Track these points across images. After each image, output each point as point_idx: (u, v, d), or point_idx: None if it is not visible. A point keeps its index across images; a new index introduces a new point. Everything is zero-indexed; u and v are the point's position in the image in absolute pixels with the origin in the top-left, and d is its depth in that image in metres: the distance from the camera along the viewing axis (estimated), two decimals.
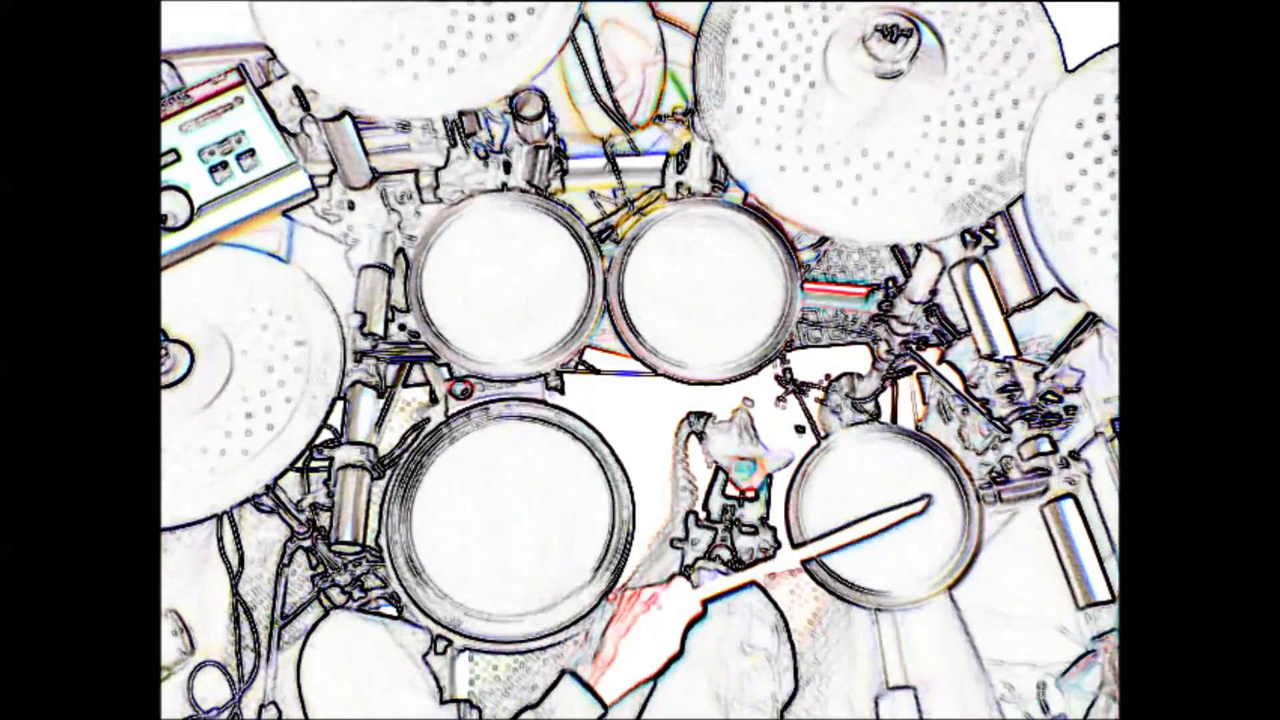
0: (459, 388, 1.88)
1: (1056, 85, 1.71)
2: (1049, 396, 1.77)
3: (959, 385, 1.85)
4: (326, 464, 1.80)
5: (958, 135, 1.72)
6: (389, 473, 1.80)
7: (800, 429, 1.91)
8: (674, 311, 1.85)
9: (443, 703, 1.71)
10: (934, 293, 1.86)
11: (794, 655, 1.70)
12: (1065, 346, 1.85)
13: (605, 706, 1.62)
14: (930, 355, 1.89)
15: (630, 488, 1.79)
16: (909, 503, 1.72)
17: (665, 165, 1.99)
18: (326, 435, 1.78)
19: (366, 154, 1.90)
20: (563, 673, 1.65)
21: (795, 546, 1.74)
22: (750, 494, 1.82)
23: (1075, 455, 1.78)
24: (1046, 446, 1.75)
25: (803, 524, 1.76)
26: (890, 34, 1.66)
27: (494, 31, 1.72)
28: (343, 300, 1.86)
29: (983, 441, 1.81)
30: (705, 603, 1.70)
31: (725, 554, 1.78)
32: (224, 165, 1.81)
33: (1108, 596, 1.73)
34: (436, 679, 1.72)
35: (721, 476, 1.84)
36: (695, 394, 1.86)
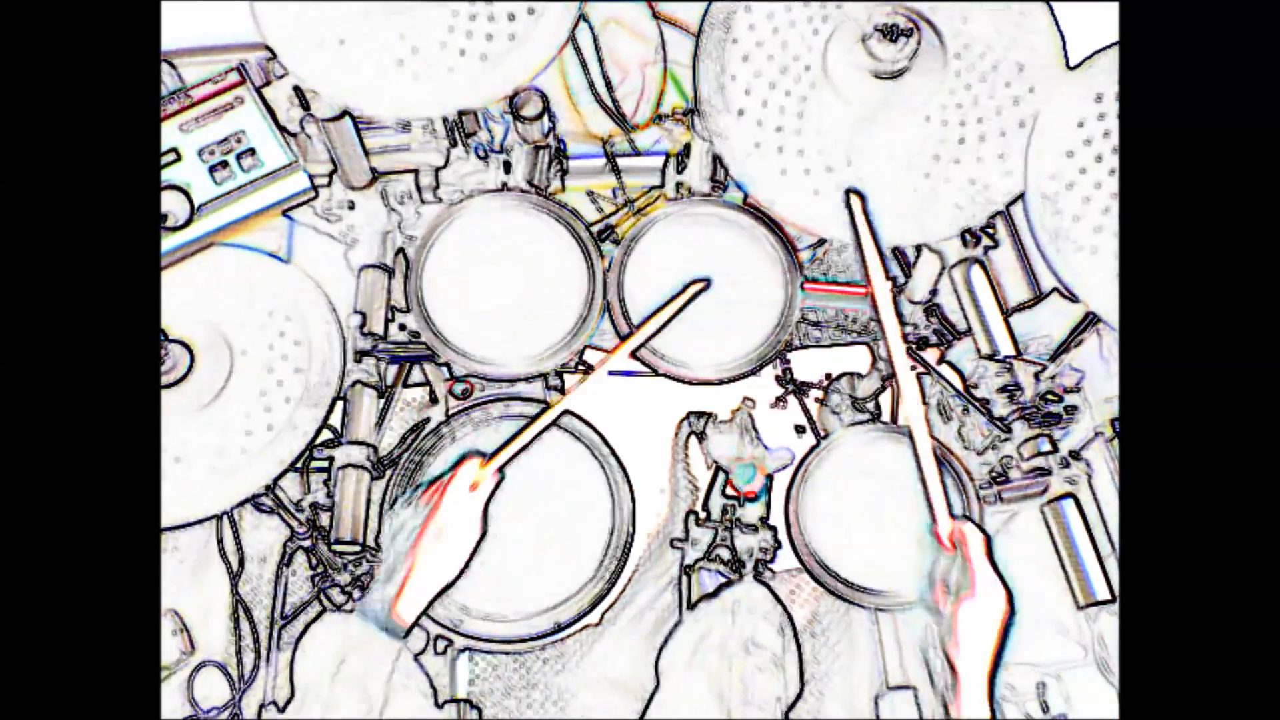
0: (459, 388, 1.88)
1: (1056, 84, 1.71)
2: (1049, 396, 1.77)
3: (959, 385, 1.85)
4: (326, 464, 1.80)
5: (958, 135, 1.72)
6: (389, 473, 1.80)
7: (800, 429, 1.91)
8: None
9: (439, 704, 1.71)
10: (934, 293, 1.86)
11: (800, 656, 1.70)
12: (1065, 346, 1.85)
13: (405, 633, 1.57)
14: (930, 355, 1.89)
15: (630, 488, 1.79)
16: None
17: (665, 165, 1.99)
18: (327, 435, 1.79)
19: (366, 154, 1.90)
20: (353, 610, 1.59)
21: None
22: (750, 495, 1.82)
23: (1075, 455, 1.78)
24: (1046, 446, 1.75)
25: (803, 524, 1.76)
26: (890, 33, 1.66)
27: (494, 31, 1.72)
28: (343, 300, 1.86)
29: (983, 441, 1.81)
30: (500, 470, 1.65)
31: (725, 554, 1.78)
32: (224, 165, 1.81)
33: (1108, 596, 1.73)
34: (431, 681, 1.72)
35: (721, 476, 1.84)
36: (695, 394, 1.86)
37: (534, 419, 1.70)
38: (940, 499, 1.58)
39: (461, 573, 1.63)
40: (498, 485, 1.66)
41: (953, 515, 1.58)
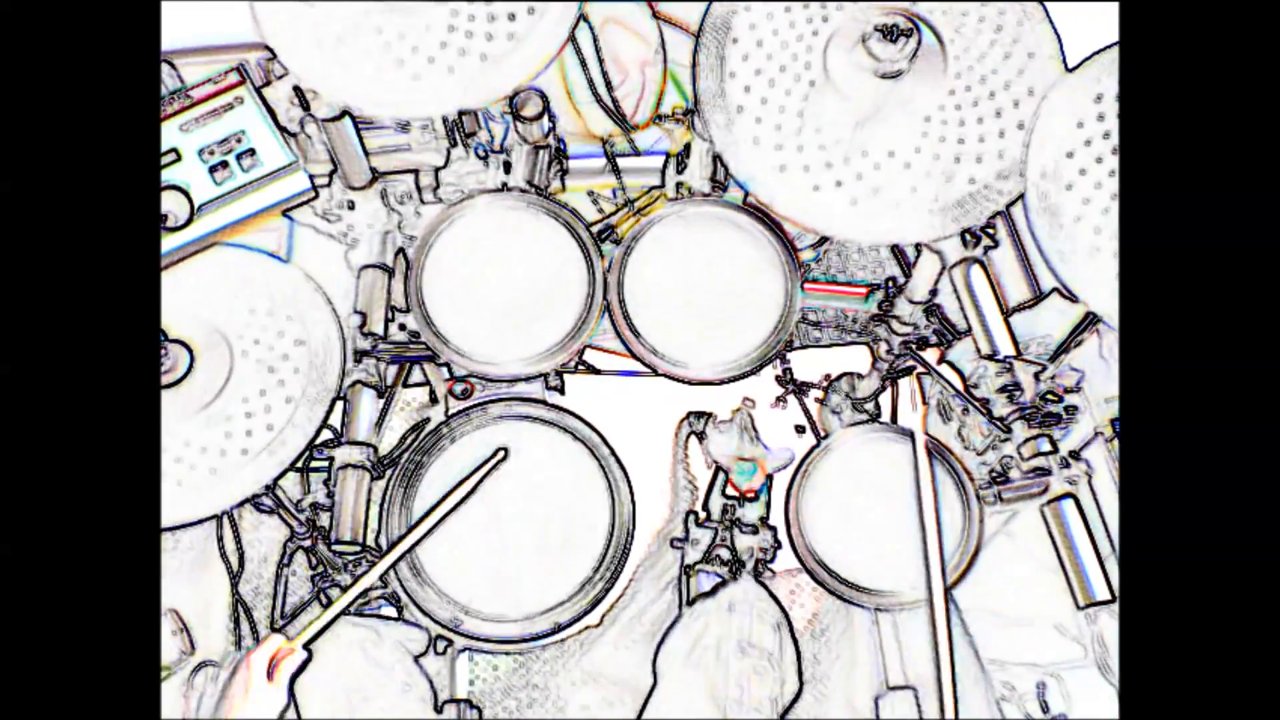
0: (459, 388, 1.88)
1: (1056, 85, 1.71)
2: (1049, 396, 1.77)
3: (959, 385, 1.85)
4: (326, 464, 1.80)
5: (958, 135, 1.72)
6: (389, 473, 1.80)
7: (800, 429, 1.91)
8: (674, 311, 1.84)
9: (438, 706, 1.71)
10: (934, 293, 1.86)
11: (798, 655, 1.70)
12: (1065, 346, 1.85)
13: None
14: (930, 355, 1.89)
15: (630, 488, 1.79)
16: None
17: (665, 165, 1.99)
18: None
19: (366, 154, 1.90)
20: None
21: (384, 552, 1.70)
22: (750, 494, 1.82)
23: (1075, 455, 1.78)
24: (1046, 446, 1.75)
25: (803, 524, 1.76)
26: (890, 34, 1.66)
27: (494, 31, 1.72)
28: (343, 300, 1.86)
29: (983, 441, 1.81)
30: (307, 645, 1.64)
31: (725, 554, 1.78)
32: (224, 165, 1.81)
33: (1108, 596, 1.73)
34: (431, 682, 1.72)
35: (721, 476, 1.84)
36: (695, 394, 1.86)
37: (341, 594, 1.67)
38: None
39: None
40: (305, 662, 1.64)
41: None
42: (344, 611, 1.67)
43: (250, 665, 1.59)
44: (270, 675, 1.59)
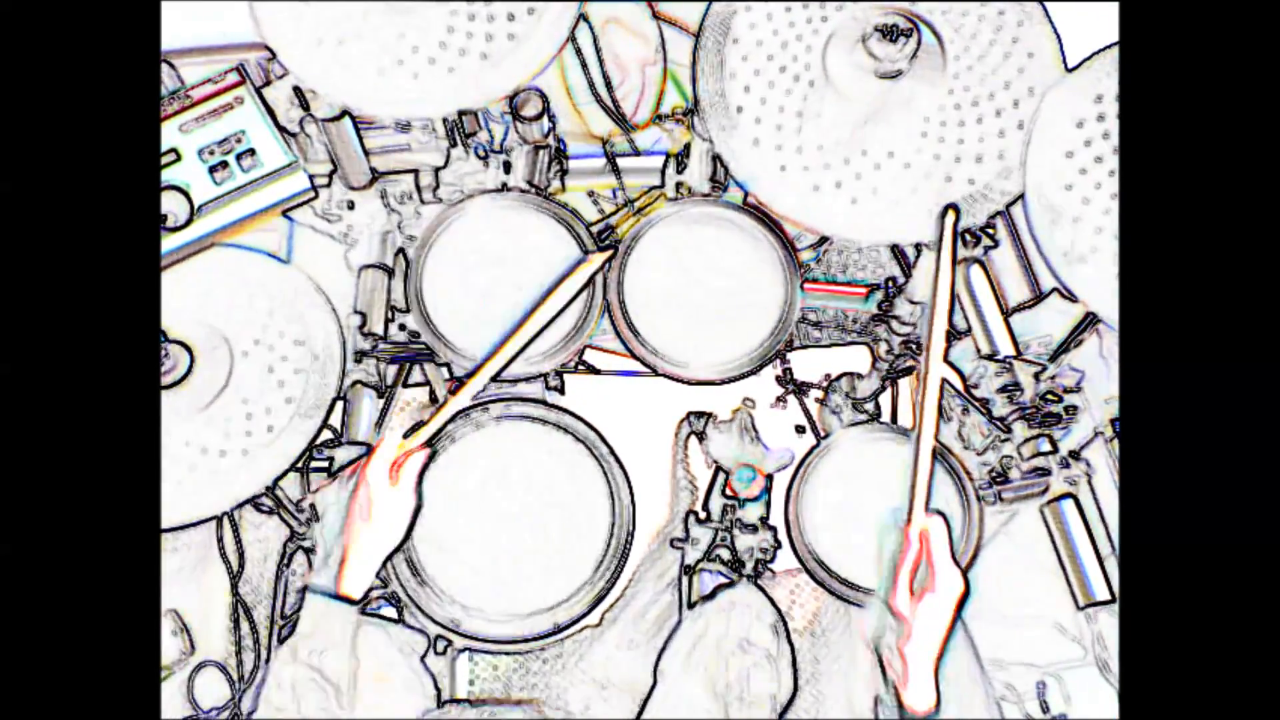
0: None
1: (1056, 85, 1.71)
2: (1049, 396, 1.77)
3: (959, 385, 1.85)
4: (326, 464, 1.80)
5: (958, 135, 1.72)
6: None
7: (800, 429, 1.91)
8: (674, 311, 1.84)
9: (440, 704, 1.71)
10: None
11: (793, 655, 1.70)
12: (1065, 346, 1.85)
13: (357, 602, 1.57)
14: None
15: (630, 488, 1.79)
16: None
17: (665, 165, 1.99)
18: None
19: (366, 154, 1.90)
20: (302, 591, 1.59)
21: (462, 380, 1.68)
22: (750, 498, 1.82)
23: (1075, 455, 1.78)
24: (1046, 446, 1.75)
25: (803, 524, 1.76)
26: (890, 34, 1.66)
27: (494, 31, 1.72)
28: (343, 300, 1.86)
29: (983, 441, 1.81)
30: (430, 441, 1.66)
31: (725, 554, 1.78)
32: (224, 165, 1.81)
33: (1108, 596, 1.73)
34: (435, 681, 1.72)
35: (721, 476, 1.84)
36: (695, 394, 1.86)
37: (459, 390, 1.68)
38: (923, 496, 1.57)
39: (404, 542, 1.64)
40: (430, 459, 1.67)
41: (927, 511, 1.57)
42: (457, 414, 1.68)
43: (367, 480, 1.60)
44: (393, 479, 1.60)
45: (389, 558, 1.63)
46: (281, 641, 1.76)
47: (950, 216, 1.64)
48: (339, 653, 1.55)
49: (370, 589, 1.60)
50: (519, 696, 1.81)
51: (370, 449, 1.65)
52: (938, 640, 1.49)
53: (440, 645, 1.75)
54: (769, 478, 1.83)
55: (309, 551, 1.81)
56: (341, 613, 1.56)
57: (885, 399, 1.91)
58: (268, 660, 1.82)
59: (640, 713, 1.65)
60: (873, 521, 1.73)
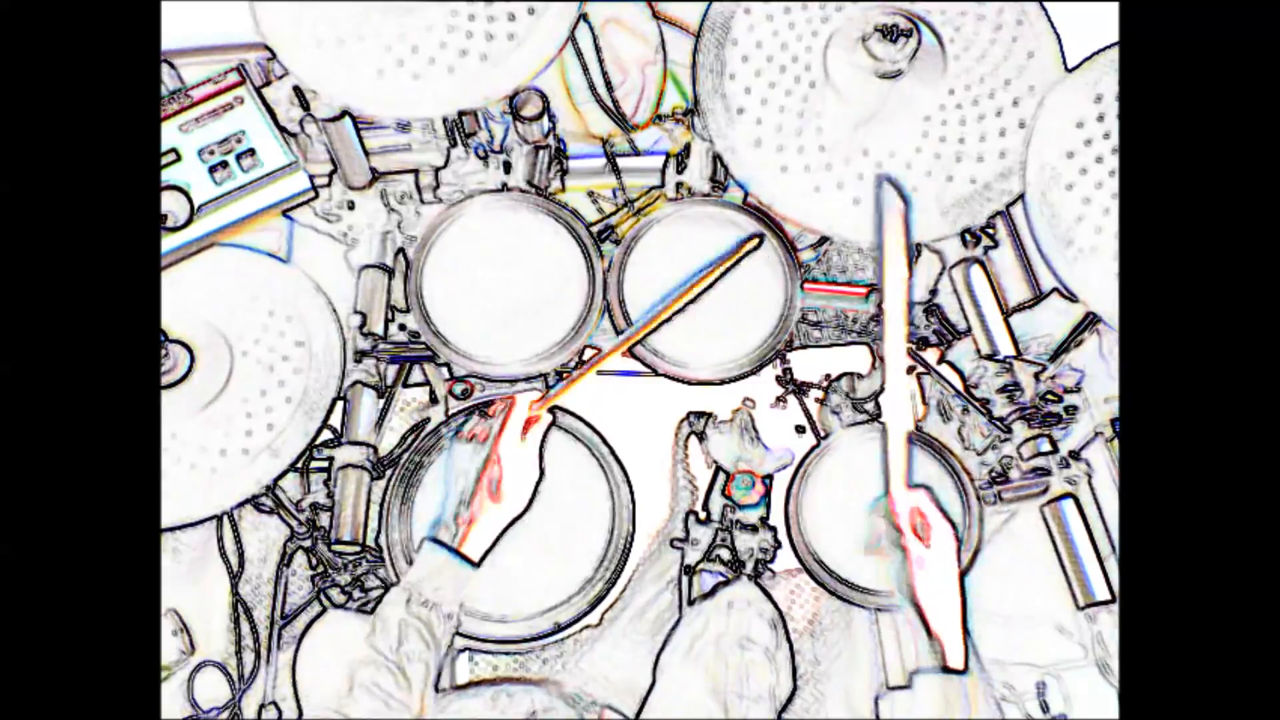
0: (459, 388, 1.87)
1: (1056, 85, 1.71)
2: (1049, 396, 1.77)
3: (959, 385, 1.86)
4: (326, 464, 1.80)
5: (958, 135, 1.72)
6: (389, 473, 1.80)
7: (800, 429, 1.91)
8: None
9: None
10: (934, 293, 1.86)
11: (792, 653, 1.70)
12: (1065, 346, 1.85)
13: (475, 564, 1.62)
14: (930, 355, 1.89)
15: (630, 488, 1.79)
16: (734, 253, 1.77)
17: (665, 165, 1.99)
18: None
19: (366, 154, 1.90)
20: (423, 541, 1.63)
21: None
22: (749, 504, 1.82)
23: (1075, 455, 1.78)
24: (1046, 446, 1.75)
25: (803, 524, 1.76)
26: (890, 34, 1.66)
27: (494, 31, 1.72)
28: (343, 300, 1.86)
29: (983, 441, 1.81)
30: (553, 409, 1.72)
31: (725, 554, 1.78)
32: (224, 165, 1.81)
33: (1108, 596, 1.73)
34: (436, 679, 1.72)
35: (721, 476, 1.84)
36: (695, 394, 1.86)
37: (592, 361, 1.74)
38: (900, 473, 1.60)
39: (525, 510, 1.67)
40: (551, 425, 1.73)
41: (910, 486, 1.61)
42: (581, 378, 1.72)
43: (499, 458, 1.66)
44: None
45: (510, 525, 1.66)
46: (279, 639, 1.77)
47: (887, 188, 1.67)
48: (449, 609, 1.59)
49: (488, 552, 1.64)
50: (538, 676, 1.81)
51: (504, 416, 1.69)
52: (953, 592, 1.54)
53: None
54: (768, 479, 1.83)
55: (309, 551, 1.81)
56: (457, 569, 1.60)
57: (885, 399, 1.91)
58: (268, 660, 1.82)
59: (639, 711, 1.65)
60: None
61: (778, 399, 1.92)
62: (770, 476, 1.83)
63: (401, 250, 1.94)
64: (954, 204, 1.72)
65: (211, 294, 1.79)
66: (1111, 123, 1.67)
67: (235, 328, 1.77)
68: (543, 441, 1.71)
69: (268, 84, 1.86)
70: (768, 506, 1.82)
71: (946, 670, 1.50)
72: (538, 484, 1.68)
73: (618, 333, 1.84)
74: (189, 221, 1.79)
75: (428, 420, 1.86)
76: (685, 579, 1.80)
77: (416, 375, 1.92)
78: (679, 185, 1.96)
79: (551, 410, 1.72)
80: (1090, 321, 1.84)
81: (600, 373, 1.93)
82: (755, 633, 1.66)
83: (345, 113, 1.80)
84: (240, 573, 1.85)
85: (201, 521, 1.71)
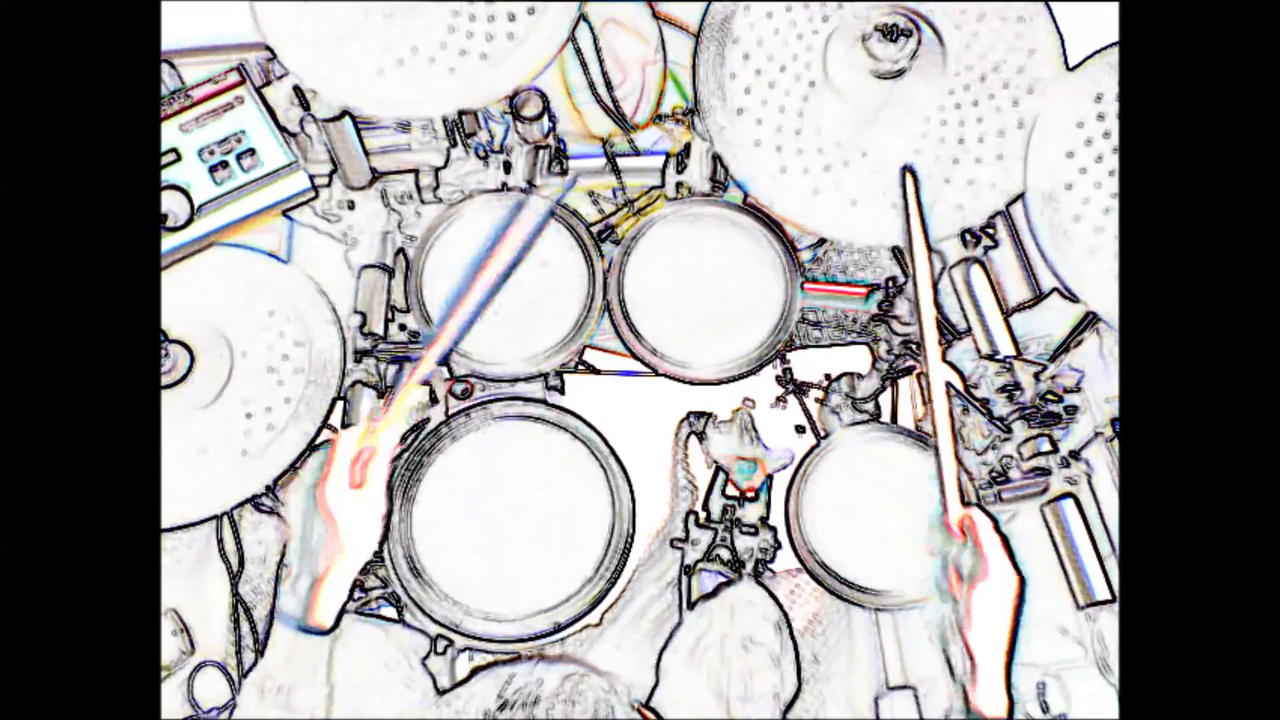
0: (459, 388, 1.87)
1: (1056, 85, 1.71)
2: (1049, 396, 1.77)
3: (959, 385, 1.85)
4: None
5: (958, 135, 1.72)
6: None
7: (800, 429, 1.91)
8: (674, 311, 1.84)
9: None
10: (934, 293, 1.85)
11: (796, 654, 1.70)
12: (1065, 346, 1.85)
13: (327, 631, 1.46)
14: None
15: (630, 488, 1.79)
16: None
17: (665, 165, 1.99)
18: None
19: (366, 154, 1.90)
20: (270, 620, 1.48)
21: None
22: (750, 494, 1.82)
23: (1075, 455, 1.78)
24: (1046, 446, 1.75)
25: (803, 524, 1.76)
26: (890, 33, 1.66)
27: (494, 31, 1.72)
28: (343, 300, 1.86)
29: (983, 441, 1.81)
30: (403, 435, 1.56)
31: (725, 554, 1.78)
32: (224, 165, 1.81)
33: (1108, 596, 1.73)
34: (435, 682, 1.72)
35: (721, 476, 1.84)
36: (695, 394, 1.86)
37: (410, 374, 1.62)
38: (954, 486, 1.57)
39: (379, 551, 1.54)
40: (402, 453, 1.57)
41: (963, 502, 1.58)
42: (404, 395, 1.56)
43: (326, 506, 1.47)
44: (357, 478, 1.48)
45: (365, 569, 1.55)
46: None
47: (909, 180, 1.66)
48: (310, 686, 1.46)
49: (343, 611, 1.49)
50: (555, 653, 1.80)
51: (325, 463, 1.51)
52: (1003, 637, 1.48)
53: (440, 645, 1.75)
54: (769, 476, 1.83)
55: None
56: (311, 645, 1.46)
57: (885, 399, 1.91)
58: None
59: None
60: (876, 521, 1.74)
61: (778, 399, 1.92)
62: (770, 476, 1.83)
63: (401, 250, 1.94)
64: (954, 204, 1.72)
65: (211, 294, 1.79)
66: (1111, 123, 1.67)
67: (235, 328, 1.77)
68: (391, 472, 1.54)
69: (268, 84, 1.86)
70: (768, 506, 1.82)
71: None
72: (389, 518, 1.53)
73: (617, 333, 1.84)
74: (189, 221, 1.79)
75: (428, 420, 1.86)
76: (685, 579, 1.80)
77: None
78: (679, 185, 1.96)
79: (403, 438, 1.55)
80: (1090, 321, 1.84)
81: (601, 373, 1.93)
82: (759, 634, 1.66)
83: (345, 113, 1.80)
84: (240, 573, 1.85)
85: (201, 521, 1.71)
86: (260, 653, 1.79)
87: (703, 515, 1.82)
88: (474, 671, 1.58)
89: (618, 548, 1.77)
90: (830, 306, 1.96)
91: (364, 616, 1.75)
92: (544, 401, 1.85)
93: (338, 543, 1.49)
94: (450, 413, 1.85)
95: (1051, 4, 1.75)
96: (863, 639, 1.79)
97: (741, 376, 1.83)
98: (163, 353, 1.67)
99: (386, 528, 1.52)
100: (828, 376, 1.93)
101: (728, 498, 1.82)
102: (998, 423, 1.78)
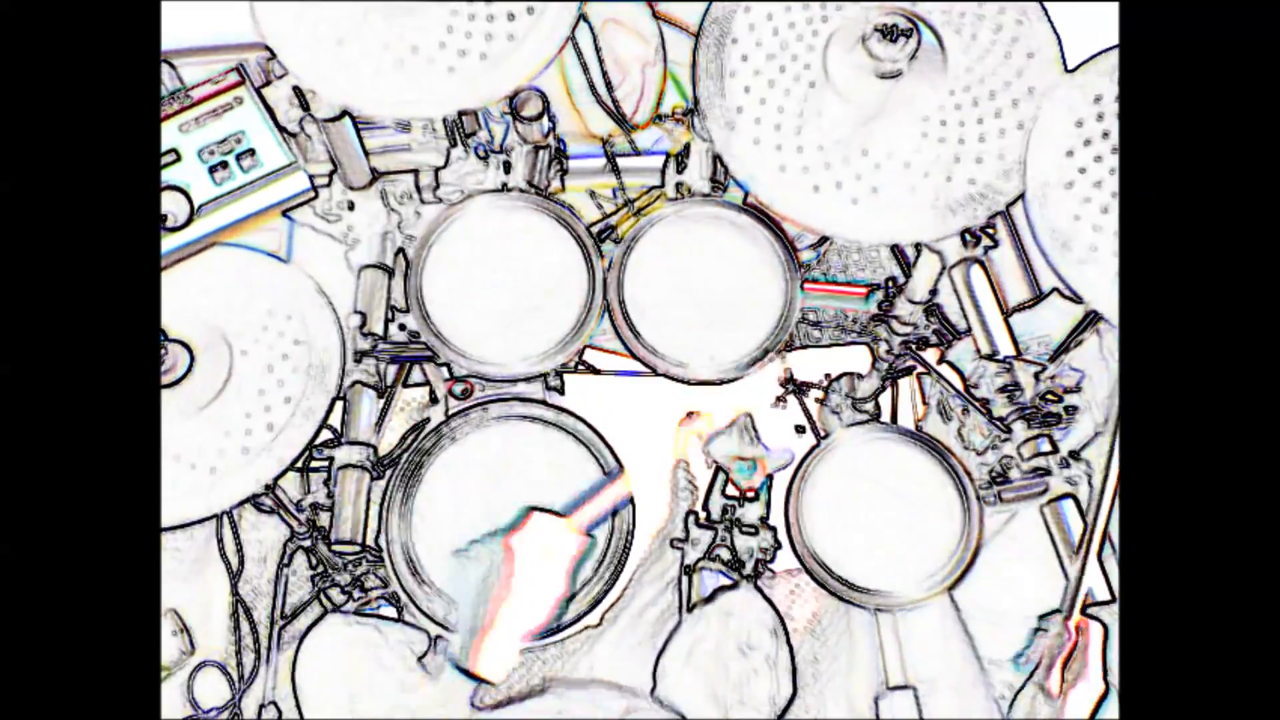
0: (459, 388, 1.88)
1: (1056, 85, 1.71)
2: (1049, 396, 1.77)
3: (959, 385, 1.85)
4: (326, 464, 1.80)
5: (958, 135, 1.72)
6: (389, 473, 1.80)
7: (800, 429, 1.91)
8: (674, 311, 1.84)
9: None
10: (934, 293, 1.86)
11: (793, 659, 1.70)
12: (1065, 346, 1.85)
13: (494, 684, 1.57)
14: (930, 355, 1.89)
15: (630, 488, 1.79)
16: None
17: (665, 165, 1.99)
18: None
19: (366, 154, 1.90)
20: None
21: None
22: (750, 494, 1.82)
23: (1075, 455, 1.78)
24: (1046, 446, 1.75)
25: (803, 524, 1.76)
26: (890, 34, 1.66)
27: (494, 31, 1.72)
28: (343, 300, 1.86)
29: (983, 441, 1.81)
30: (588, 530, 1.66)
31: (725, 554, 1.78)
32: (224, 165, 1.81)
33: (1108, 596, 1.73)
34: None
35: (721, 476, 1.84)
36: (695, 394, 1.86)
37: (614, 479, 1.71)
38: (1084, 594, 1.67)
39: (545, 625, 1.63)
40: (590, 546, 1.68)
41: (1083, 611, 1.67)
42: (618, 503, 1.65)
43: (520, 546, 1.59)
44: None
45: (529, 641, 1.63)
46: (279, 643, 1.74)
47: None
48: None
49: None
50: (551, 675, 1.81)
51: (518, 524, 1.62)
52: None
53: (440, 645, 1.75)
54: (769, 476, 1.83)
55: (309, 551, 1.81)
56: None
57: (885, 399, 1.91)
58: (268, 660, 1.81)
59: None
60: (876, 521, 1.74)
61: (778, 399, 1.92)
62: (770, 476, 1.84)
63: (401, 250, 1.94)
64: (954, 204, 1.72)
65: (211, 294, 1.79)
66: (1111, 122, 1.67)
67: (235, 328, 1.77)
68: (578, 563, 1.67)
69: (268, 84, 1.86)
70: (768, 506, 1.82)
71: None
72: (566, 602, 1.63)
73: (617, 333, 1.84)
74: (189, 221, 1.79)
75: (428, 420, 1.86)
76: (685, 579, 1.80)
77: (416, 375, 1.92)
78: (679, 185, 1.96)
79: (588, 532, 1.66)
80: (1090, 321, 1.84)
81: (601, 373, 1.93)
82: (756, 639, 1.66)
83: (345, 113, 1.80)
84: (240, 573, 1.85)
85: (201, 521, 1.71)
86: (260, 653, 1.80)
87: (703, 515, 1.82)
88: None
89: (618, 548, 1.77)
90: (830, 306, 1.96)
91: (366, 617, 1.76)
92: (544, 402, 1.85)
93: (508, 608, 1.60)
94: (450, 413, 1.86)
95: (1050, 5, 1.75)
96: (863, 639, 1.79)
97: (741, 376, 1.82)
98: (163, 352, 1.66)
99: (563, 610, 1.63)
100: (828, 376, 1.93)
101: (728, 498, 1.82)
102: (998, 423, 1.78)
